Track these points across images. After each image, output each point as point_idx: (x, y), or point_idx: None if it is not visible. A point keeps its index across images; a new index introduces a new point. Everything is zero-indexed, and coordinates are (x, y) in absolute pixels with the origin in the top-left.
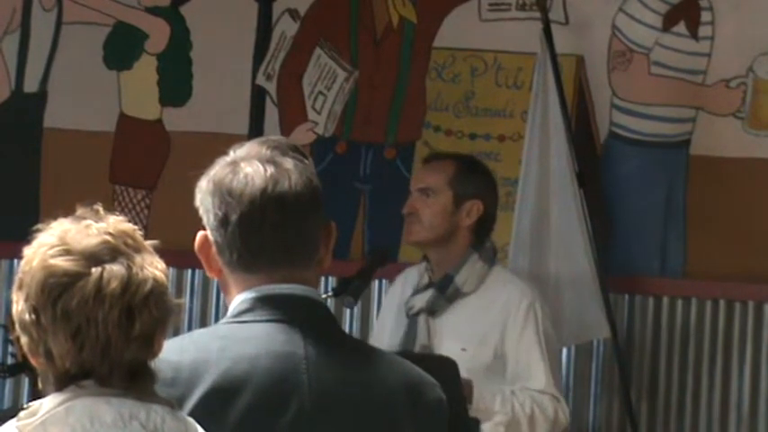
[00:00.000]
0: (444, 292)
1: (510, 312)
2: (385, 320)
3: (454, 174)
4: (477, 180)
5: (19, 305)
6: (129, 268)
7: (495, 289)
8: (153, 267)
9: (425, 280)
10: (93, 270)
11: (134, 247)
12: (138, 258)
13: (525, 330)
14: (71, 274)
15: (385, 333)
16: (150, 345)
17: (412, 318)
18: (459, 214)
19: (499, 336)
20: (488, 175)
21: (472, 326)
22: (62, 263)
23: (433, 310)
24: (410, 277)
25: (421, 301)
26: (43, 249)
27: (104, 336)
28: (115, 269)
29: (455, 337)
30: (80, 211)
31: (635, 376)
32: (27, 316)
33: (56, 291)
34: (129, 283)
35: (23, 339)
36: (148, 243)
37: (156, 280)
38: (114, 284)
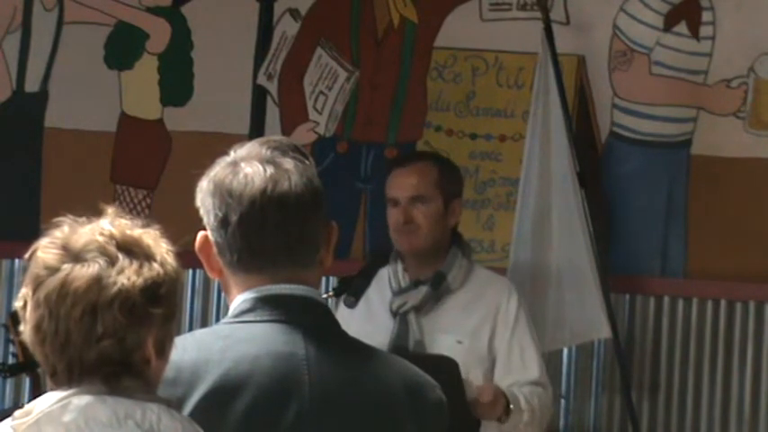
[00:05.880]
0: (437, 289)
1: (500, 308)
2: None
3: (439, 176)
4: (457, 179)
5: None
6: (104, 269)
7: (480, 285)
8: (135, 274)
9: (406, 280)
10: (65, 266)
11: (128, 250)
12: (124, 262)
13: (518, 325)
14: (48, 268)
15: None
16: (123, 347)
17: (402, 316)
18: (448, 216)
19: (490, 330)
20: (459, 170)
21: (463, 320)
22: (45, 255)
23: (421, 308)
24: (376, 280)
25: (414, 298)
26: (44, 242)
27: (64, 331)
28: (86, 269)
29: (449, 330)
30: (110, 210)
31: (636, 376)
32: (21, 303)
33: (35, 282)
34: (95, 284)
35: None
36: (154, 234)
37: (125, 287)
38: (79, 283)
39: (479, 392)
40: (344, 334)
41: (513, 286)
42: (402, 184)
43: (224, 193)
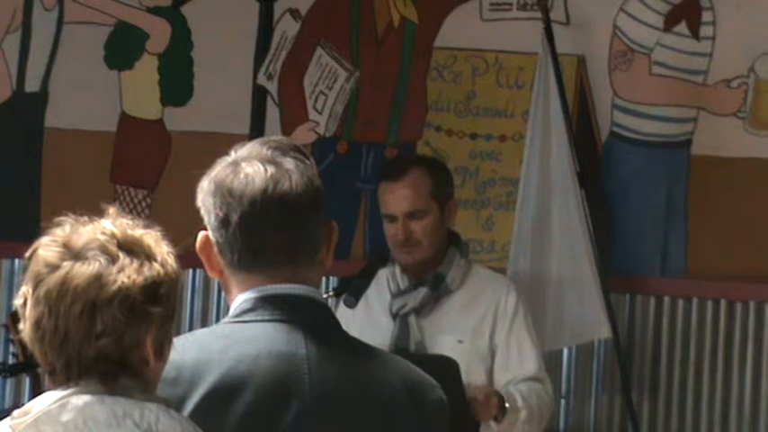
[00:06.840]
0: (437, 290)
1: (499, 305)
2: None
3: (432, 184)
4: (448, 180)
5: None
6: (104, 267)
7: (479, 284)
8: (135, 273)
9: (405, 281)
10: (65, 264)
11: (129, 250)
12: (125, 261)
13: (515, 321)
14: (49, 265)
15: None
16: (122, 345)
17: (402, 318)
18: (445, 220)
19: (491, 328)
20: (448, 169)
21: (464, 320)
22: (46, 253)
23: (421, 309)
24: (375, 282)
25: (414, 300)
26: (45, 240)
27: (63, 328)
28: (87, 266)
29: (449, 331)
30: (112, 210)
31: (636, 376)
32: (21, 301)
33: (35, 280)
34: (95, 282)
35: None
36: (155, 234)
37: (125, 285)
38: (79, 280)
39: (474, 391)
40: (345, 334)
41: (513, 284)
42: (396, 201)
43: (225, 193)
